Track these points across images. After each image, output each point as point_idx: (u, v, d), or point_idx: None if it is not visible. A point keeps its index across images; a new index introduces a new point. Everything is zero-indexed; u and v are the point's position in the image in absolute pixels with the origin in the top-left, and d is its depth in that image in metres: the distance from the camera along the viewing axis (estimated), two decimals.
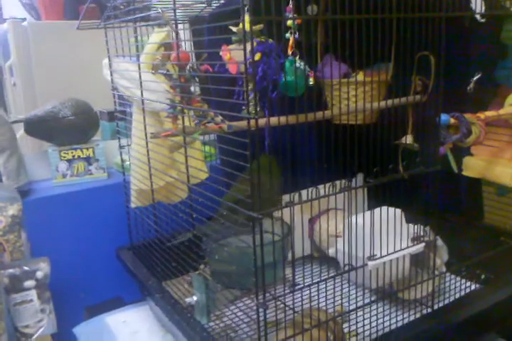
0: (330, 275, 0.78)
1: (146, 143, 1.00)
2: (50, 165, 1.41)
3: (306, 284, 0.75)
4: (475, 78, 1.15)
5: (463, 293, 0.98)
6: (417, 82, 1.17)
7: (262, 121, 0.69)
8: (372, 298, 0.95)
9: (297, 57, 1.01)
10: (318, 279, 0.79)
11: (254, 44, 1.14)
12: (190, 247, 0.91)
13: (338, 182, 1.03)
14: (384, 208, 0.85)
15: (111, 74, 1.14)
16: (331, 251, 0.92)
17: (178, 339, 1.08)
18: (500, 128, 1.18)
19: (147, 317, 1.19)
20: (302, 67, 1.02)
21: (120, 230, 1.26)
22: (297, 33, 1.01)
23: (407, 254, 0.84)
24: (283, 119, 0.81)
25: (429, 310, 0.94)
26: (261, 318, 0.70)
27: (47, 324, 1.07)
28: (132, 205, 1.17)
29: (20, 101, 1.94)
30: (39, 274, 1.06)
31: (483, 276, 1.18)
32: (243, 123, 0.96)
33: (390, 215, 0.85)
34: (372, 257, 0.79)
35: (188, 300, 0.84)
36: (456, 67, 1.08)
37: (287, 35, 1.03)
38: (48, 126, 1.42)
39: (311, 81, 1.12)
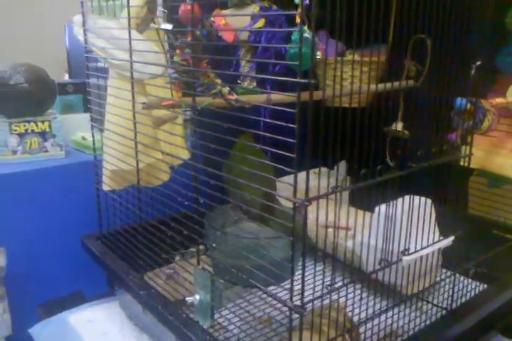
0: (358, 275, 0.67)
1: (133, 115, 0.85)
2: None
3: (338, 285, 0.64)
4: (476, 64, 1.10)
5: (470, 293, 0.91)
6: (411, 67, 1.10)
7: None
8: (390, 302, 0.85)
9: (306, 27, 0.90)
10: (348, 280, 0.68)
11: (258, 9, 1.03)
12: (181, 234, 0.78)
13: (324, 170, 0.94)
14: (410, 197, 0.76)
15: (84, 34, 0.97)
16: (350, 244, 0.83)
17: (158, 340, 0.95)
18: (500, 117, 1.13)
19: (116, 316, 1.05)
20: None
21: (84, 216, 1.10)
22: None
23: (438, 249, 0.75)
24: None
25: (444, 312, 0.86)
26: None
27: (0, 325, 0.90)
28: (105, 188, 1.01)
29: None
30: None
31: (472, 271, 1.12)
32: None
33: (417, 205, 0.76)
34: (406, 251, 0.70)
35: (189, 299, 0.72)
36: (456, 53, 1.02)
37: (296, 0, 0.91)
38: None
39: (319, 54, 1.02)
